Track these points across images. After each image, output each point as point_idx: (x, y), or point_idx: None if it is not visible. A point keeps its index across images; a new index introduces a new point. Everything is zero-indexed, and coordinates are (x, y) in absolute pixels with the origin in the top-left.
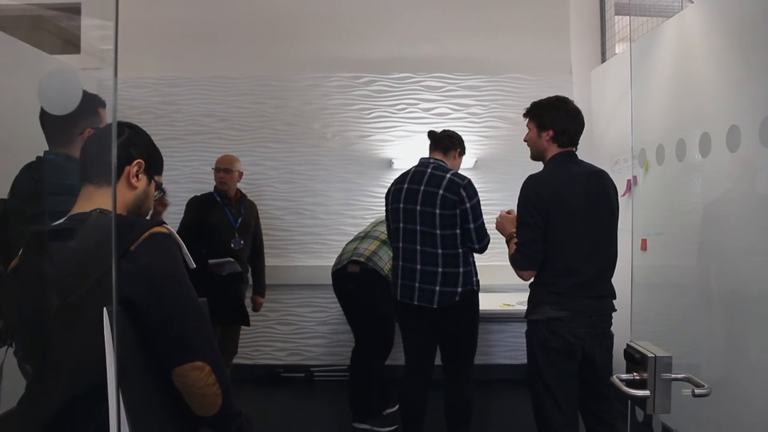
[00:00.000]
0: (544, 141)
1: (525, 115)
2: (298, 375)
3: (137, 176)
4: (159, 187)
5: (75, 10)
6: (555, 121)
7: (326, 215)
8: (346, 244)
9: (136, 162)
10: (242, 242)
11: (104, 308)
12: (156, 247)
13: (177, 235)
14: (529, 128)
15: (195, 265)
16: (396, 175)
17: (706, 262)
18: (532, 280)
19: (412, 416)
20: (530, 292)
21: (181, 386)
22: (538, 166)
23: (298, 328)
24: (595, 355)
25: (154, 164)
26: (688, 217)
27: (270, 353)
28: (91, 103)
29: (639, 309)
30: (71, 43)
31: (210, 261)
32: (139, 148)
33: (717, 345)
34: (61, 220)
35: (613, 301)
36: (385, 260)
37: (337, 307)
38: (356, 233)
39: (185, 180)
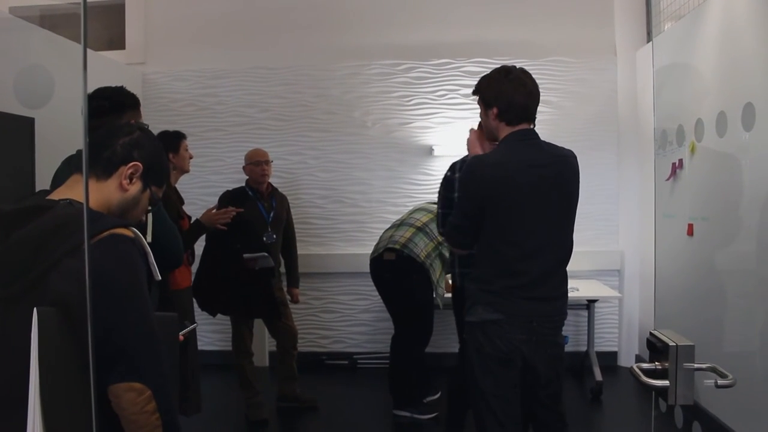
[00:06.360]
0: (491, 120)
1: (474, 93)
2: (341, 362)
3: (131, 179)
4: (154, 202)
5: (119, 8)
6: (498, 96)
7: (368, 203)
8: (383, 232)
9: (132, 164)
10: (275, 236)
11: (35, 309)
12: (111, 248)
13: (144, 242)
14: (480, 107)
15: (160, 277)
16: (437, 161)
17: (758, 247)
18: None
19: (461, 406)
20: (466, 290)
21: (116, 408)
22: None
23: (342, 316)
24: (537, 365)
25: (154, 173)
26: (735, 200)
27: (314, 341)
28: (133, 99)
29: (685, 297)
30: (116, 40)
31: (245, 255)
32: (142, 152)
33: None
34: (24, 204)
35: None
36: (420, 247)
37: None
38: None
39: (228, 170)
